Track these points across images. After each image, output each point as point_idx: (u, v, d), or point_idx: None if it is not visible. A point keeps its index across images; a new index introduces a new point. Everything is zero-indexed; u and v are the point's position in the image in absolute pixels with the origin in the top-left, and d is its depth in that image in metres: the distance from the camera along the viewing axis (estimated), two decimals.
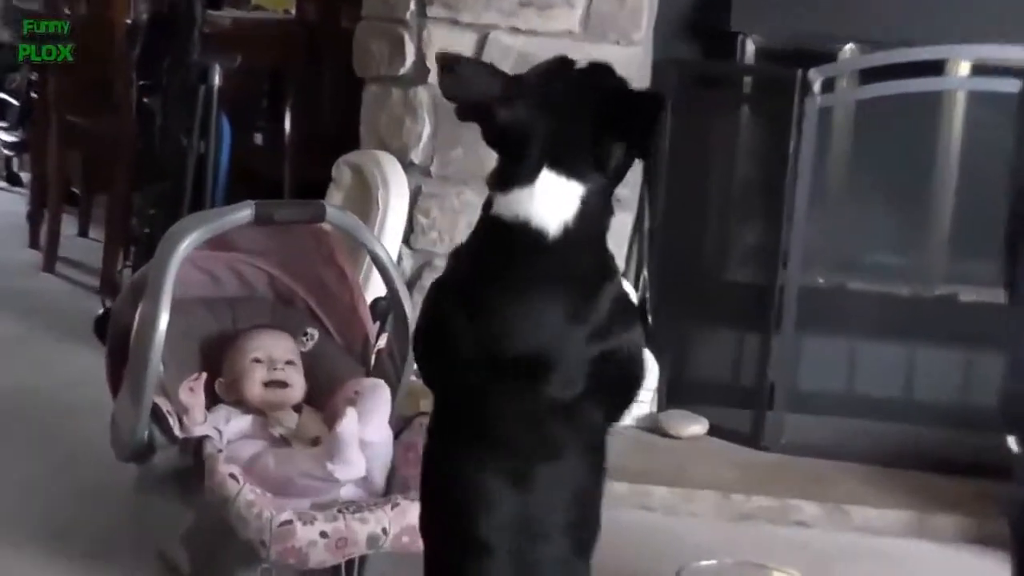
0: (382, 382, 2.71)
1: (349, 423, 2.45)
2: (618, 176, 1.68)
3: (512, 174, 1.61)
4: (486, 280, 1.66)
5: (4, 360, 3.93)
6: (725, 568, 1.28)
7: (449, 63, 1.67)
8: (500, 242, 1.61)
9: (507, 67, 3.36)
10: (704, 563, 1.28)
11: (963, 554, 3.02)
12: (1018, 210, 2.18)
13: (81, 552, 2.69)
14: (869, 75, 3.39)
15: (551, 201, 1.57)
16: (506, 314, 1.64)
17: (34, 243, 5.31)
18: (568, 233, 1.58)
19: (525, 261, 1.61)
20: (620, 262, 3.51)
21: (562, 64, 1.73)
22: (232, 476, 2.40)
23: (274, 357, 2.79)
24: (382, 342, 2.90)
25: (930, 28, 3.27)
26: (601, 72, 1.67)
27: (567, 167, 1.57)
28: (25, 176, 6.40)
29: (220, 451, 2.47)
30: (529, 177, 1.57)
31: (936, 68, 3.32)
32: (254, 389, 2.76)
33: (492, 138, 1.68)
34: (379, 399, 2.65)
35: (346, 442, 2.44)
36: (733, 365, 3.57)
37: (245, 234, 2.72)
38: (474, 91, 1.63)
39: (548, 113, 1.60)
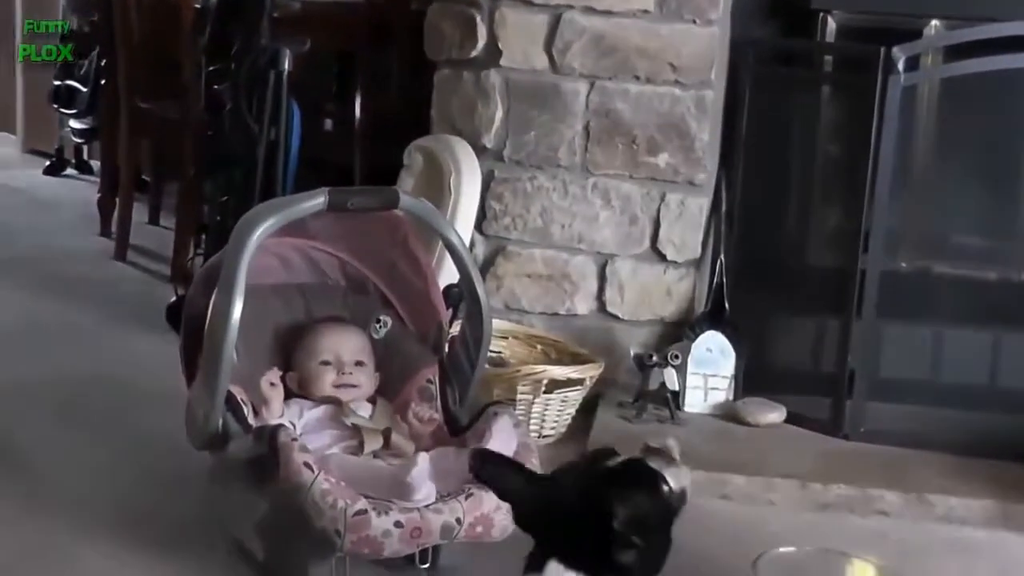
0: (506, 416, 2.68)
1: (420, 471, 2.44)
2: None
3: (529, 558, 1.64)
4: None
5: (77, 348, 3.98)
6: (805, 556, 1.29)
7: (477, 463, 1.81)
8: None
9: (581, 47, 3.44)
10: (783, 550, 1.29)
11: None
12: None
13: (154, 539, 2.71)
14: (955, 52, 3.34)
15: None
16: None
17: (105, 231, 5.36)
18: None
19: None
20: (696, 248, 3.55)
21: (594, 459, 1.80)
22: (307, 465, 2.41)
23: (343, 360, 2.83)
24: (455, 329, 2.92)
25: (1020, 2, 3.23)
26: (632, 474, 1.67)
27: (573, 563, 1.58)
28: (95, 163, 6.48)
29: (295, 440, 2.49)
30: (538, 566, 1.60)
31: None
32: (325, 391, 2.81)
33: (517, 524, 1.79)
34: (504, 439, 2.60)
35: (415, 488, 2.45)
36: (812, 352, 3.54)
37: (317, 220, 2.73)
38: (502, 485, 1.71)
39: (559, 513, 1.63)
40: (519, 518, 1.75)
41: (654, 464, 1.63)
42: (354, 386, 2.82)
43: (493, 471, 1.71)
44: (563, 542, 1.59)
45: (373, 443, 2.69)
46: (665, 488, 1.62)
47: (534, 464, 2.58)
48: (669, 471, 1.64)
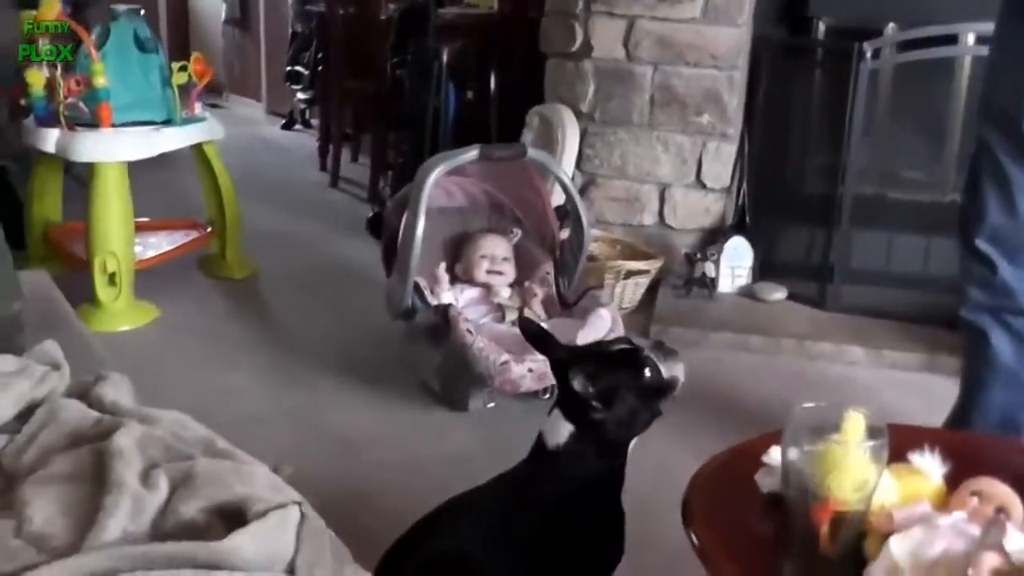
0: (603, 313, 2.60)
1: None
2: (597, 427, 1.50)
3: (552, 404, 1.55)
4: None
5: (308, 248, 4.02)
6: (824, 408, 1.24)
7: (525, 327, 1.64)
8: (535, 446, 1.54)
9: (648, 43, 3.37)
10: (808, 404, 1.24)
11: None
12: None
13: (365, 376, 2.77)
14: (905, 45, 3.24)
15: (555, 429, 1.49)
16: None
17: (322, 167, 5.40)
18: (561, 447, 1.48)
19: (538, 458, 1.52)
20: (726, 179, 3.49)
21: (607, 343, 1.66)
22: (468, 331, 2.45)
23: (495, 255, 2.83)
24: (564, 235, 2.91)
25: (949, 10, 3.11)
26: (624, 356, 1.53)
27: (567, 414, 1.48)
28: (315, 122, 6.51)
29: (459, 313, 2.50)
30: (550, 411, 1.51)
31: (952, 40, 3.16)
32: (480, 276, 2.81)
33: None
34: (601, 326, 2.57)
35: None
36: (806, 250, 3.48)
37: (471, 165, 2.73)
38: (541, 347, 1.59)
39: (561, 376, 1.51)
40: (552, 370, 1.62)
41: (652, 354, 1.48)
42: (501, 273, 2.82)
43: (535, 335, 1.58)
44: (563, 397, 1.50)
45: (511, 315, 2.71)
46: (648, 371, 1.47)
47: (619, 326, 2.58)
48: (665, 362, 1.48)
